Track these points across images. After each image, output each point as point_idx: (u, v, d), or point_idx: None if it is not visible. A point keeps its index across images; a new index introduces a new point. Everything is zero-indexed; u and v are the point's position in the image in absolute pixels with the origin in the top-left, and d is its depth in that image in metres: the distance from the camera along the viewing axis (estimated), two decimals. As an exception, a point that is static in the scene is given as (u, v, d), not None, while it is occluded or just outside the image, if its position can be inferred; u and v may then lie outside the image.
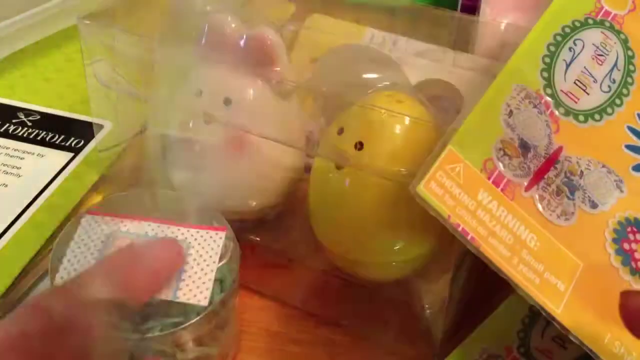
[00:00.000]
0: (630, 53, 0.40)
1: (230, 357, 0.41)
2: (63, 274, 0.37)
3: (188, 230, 0.39)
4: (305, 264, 0.46)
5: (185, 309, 0.37)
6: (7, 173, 0.50)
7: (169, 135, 0.46)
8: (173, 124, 0.46)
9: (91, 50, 0.45)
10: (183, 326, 0.36)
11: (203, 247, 0.39)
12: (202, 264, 0.38)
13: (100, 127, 0.51)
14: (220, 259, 0.39)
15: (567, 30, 0.40)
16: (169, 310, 0.37)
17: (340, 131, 0.39)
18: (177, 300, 0.36)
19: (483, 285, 0.43)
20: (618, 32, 0.41)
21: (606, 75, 0.39)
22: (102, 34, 0.44)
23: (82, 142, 0.52)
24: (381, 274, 0.43)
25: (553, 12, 0.40)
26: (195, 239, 0.39)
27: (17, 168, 0.50)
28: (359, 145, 0.38)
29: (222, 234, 0.39)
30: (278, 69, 0.42)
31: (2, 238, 0.45)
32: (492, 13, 0.55)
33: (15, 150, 0.52)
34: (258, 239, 0.46)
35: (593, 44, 0.40)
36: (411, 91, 0.41)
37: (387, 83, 0.42)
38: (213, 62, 0.42)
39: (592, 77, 0.39)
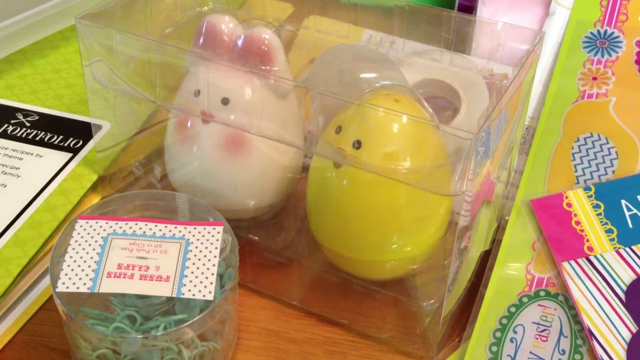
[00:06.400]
0: (572, 312, 0.40)
1: (232, 352, 0.42)
2: (65, 280, 0.37)
3: (185, 227, 0.40)
4: (303, 263, 0.46)
5: (188, 305, 0.37)
6: (6, 173, 0.50)
7: (167, 135, 0.46)
8: (171, 123, 0.46)
9: (89, 50, 0.45)
10: (188, 323, 0.36)
11: (202, 243, 0.39)
12: (203, 259, 0.38)
13: (99, 127, 0.51)
14: (220, 253, 0.39)
15: (504, 321, 0.40)
16: (172, 308, 0.38)
17: (338, 130, 0.39)
18: (182, 296, 0.36)
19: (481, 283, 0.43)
20: (555, 296, 0.41)
21: (554, 350, 0.39)
22: (101, 34, 0.44)
23: (81, 142, 0.53)
24: (379, 272, 0.43)
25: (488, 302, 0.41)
26: (194, 235, 0.39)
27: (16, 168, 0.50)
28: (357, 144, 0.38)
29: (220, 229, 0.40)
30: (276, 68, 0.42)
31: (2, 238, 0.45)
32: (489, 13, 0.56)
33: (14, 150, 0.52)
34: (256, 238, 0.46)
35: (533, 322, 0.40)
36: (408, 91, 0.41)
37: (385, 82, 0.42)
38: (211, 62, 0.43)
39: (541, 359, 0.39)
